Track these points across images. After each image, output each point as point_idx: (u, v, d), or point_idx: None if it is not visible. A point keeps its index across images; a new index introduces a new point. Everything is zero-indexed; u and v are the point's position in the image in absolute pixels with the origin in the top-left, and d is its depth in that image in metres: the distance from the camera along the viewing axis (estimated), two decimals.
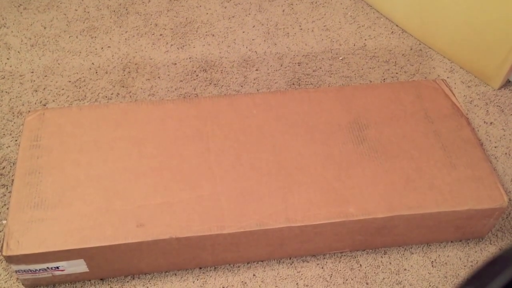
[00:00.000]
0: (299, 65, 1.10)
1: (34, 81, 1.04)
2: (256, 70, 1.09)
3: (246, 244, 0.76)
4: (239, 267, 0.81)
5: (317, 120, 0.86)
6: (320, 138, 0.84)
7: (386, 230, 0.79)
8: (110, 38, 1.13)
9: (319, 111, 0.87)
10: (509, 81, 1.09)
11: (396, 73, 1.10)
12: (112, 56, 1.10)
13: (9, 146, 0.93)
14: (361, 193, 0.78)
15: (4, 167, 0.91)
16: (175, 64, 1.09)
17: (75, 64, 1.08)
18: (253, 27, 1.18)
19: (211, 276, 0.80)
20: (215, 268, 0.81)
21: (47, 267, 0.73)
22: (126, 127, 0.83)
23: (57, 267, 0.73)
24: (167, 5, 1.21)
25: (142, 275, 0.79)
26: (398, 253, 0.84)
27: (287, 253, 0.81)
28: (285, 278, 0.80)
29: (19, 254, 0.70)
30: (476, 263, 0.84)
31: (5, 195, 0.87)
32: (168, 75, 1.07)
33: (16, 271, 0.73)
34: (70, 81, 1.04)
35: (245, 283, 0.79)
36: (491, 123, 1.02)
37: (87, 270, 0.75)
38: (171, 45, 1.13)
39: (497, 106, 1.05)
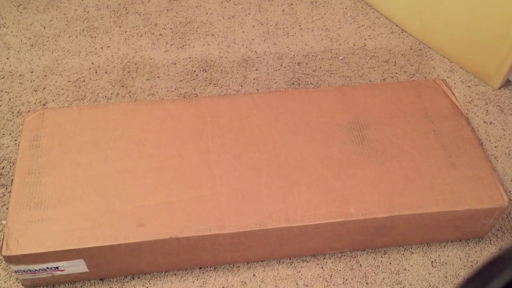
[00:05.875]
0: (299, 65, 1.10)
1: (34, 81, 1.04)
2: (256, 70, 1.09)
3: (246, 244, 0.76)
4: (239, 267, 0.81)
5: (317, 120, 0.86)
6: (320, 138, 0.84)
7: (386, 230, 0.79)
8: (109, 38, 1.13)
9: (319, 111, 0.87)
10: (509, 81, 1.09)
11: (396, 73, 1.10)
12: (112, 56, 1.09)
13: (8, 146, 0.93)
14: (361, 193, 0.78)
15: (3, 167, 0.91)
16: (175, 64, 1.09)
17: (74, 64, 1.08)
18: (253, 27, 1.18)
19: (211, 276, 0.80)
20: (215, 268, 0.81)
21: (47, 267, 0.73)
22: (125, 127, 0.83)
23: (57, 267, 0.73)
24: (167, 5, 1.21)
25: (142, 275, 0.79)
26: (398, 253, 0.84)
27: (287, 253, 0.81)
28: (285, 278, 0.80)
29: (18, 254, 0.70)
30: (476, 263, 0.84)
31: (4, 195, 0.87)
32: (168, 75, 1.07)
33: (15, 271, 0.73)
34: (69, 81, 1.04)
35: (245, 283, 0.79)
36: (491, 123, 1.02)
37: (86, 270, 0.75)
38: (171, 45, 1.12)
39: (497, 106, 1.05)
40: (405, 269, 0.82)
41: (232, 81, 1.06)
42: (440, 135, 0.85)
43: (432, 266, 0.83)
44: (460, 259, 0.84)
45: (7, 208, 0.84)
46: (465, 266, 0.83)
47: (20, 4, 1.19)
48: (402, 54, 1.14)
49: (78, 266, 0.74)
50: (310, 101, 0.89)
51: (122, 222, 0.73)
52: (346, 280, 0.80)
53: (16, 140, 0.94)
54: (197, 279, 0.79)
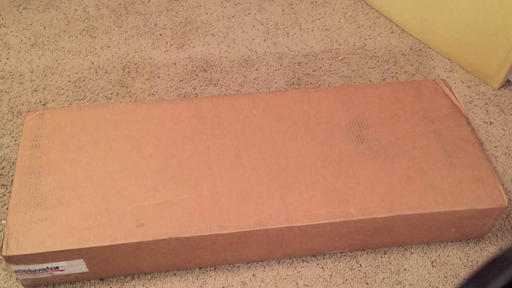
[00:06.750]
0: (299, 65, 1.10)
1: (34, 81, 1.04)
2: (256, 70, 1.09)
3: (246, 244, 0.76)
4: (239, 267, 0.81)
5: (317, 120, 0.86)
6: (320, 138, 0.84)
7: (386, 230, 0.79)
8: (109, 38, 1.13)
9: (319, 111, 0.87)
10: (509, 81, 1.09)
11: (396, 73, 1.10)
12: (112, 56, 1.09)
13: (8, 146, 0.93)
14: (361, 193, 0.78)
15: (3, 167, 0.91)
16: (175, 64, 1.09)
17: (74, 64, 1.08)
18: (253, 27, 1.18)
19: (211, 276, 0.80)
20: (215, 268, 0.81)
21: (47, 267, 0.73)
22: (125, 127, 0.83)
23: (57, 267, 0.73)
24: (167, 5, 1.21)
25: (142, 275, 0.79)
26: (398, 253, 0.84)
27: (287, 253, 0.81)
28: (285, 278, 0.80)
29: (18, 254, 0.70)
30: (476, 263, 0.84)
31: (4, 195, 0.87)
32: (168, 75, 1.07)
33: (15, 271, 0.73)
34: (69, 81, 1.04)
35: (245, 283, 0.79)
36: (491, 122, 1.02)
37: (86, 270, 0.75)
38: (171, 45, 1.12)
39: (497, 105, 1.05)
40: (405, 269, 0.82)
41: (232, 81, 1.06)
42: (440, 135, 0.85)
43: (432, 266, 0.83)
44: (460, 259, 0.84)
45: (7, 208, 0.84)
46: (465, 266, 0.83)
47: (20, 4, 1.19)
48: (402, 54, 1.14)
49: (78, 266, 0.74)
50: (310, 101, 0.89)
51: (122, 222, 0.73)
52: (346, 280, 0.80)
53: (16, 140, 0.94)
54: (197, 279, 0.79)
